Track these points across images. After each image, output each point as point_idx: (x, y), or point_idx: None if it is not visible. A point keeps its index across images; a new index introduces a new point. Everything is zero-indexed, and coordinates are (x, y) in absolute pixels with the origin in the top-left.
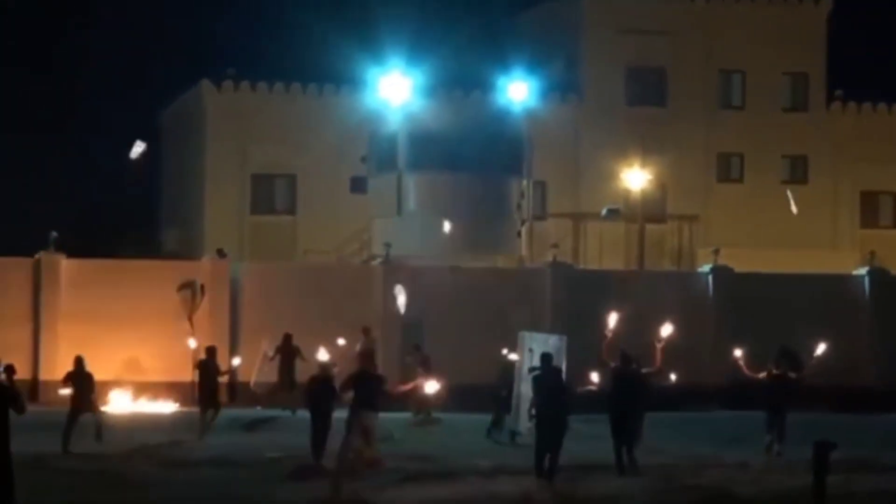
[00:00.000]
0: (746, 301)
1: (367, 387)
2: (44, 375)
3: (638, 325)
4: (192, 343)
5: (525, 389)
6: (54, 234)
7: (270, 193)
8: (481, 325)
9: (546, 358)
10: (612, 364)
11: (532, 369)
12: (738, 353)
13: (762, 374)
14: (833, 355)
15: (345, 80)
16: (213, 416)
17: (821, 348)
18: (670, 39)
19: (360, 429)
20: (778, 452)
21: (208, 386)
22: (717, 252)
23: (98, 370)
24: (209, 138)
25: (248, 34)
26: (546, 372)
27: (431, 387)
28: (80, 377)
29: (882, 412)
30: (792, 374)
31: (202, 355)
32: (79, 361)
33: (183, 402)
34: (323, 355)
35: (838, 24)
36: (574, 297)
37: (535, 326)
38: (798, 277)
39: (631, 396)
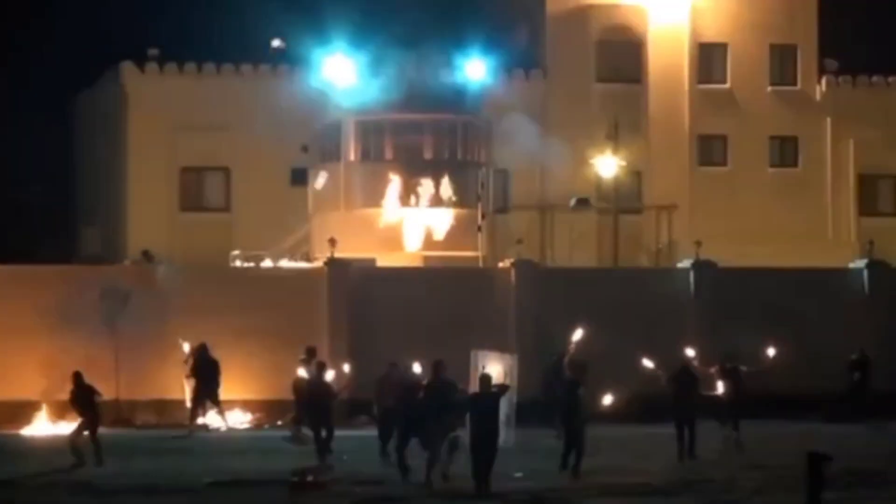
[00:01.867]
0: (732, 299)
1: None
2: None
3: (614, 328)
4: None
5: None
6: None
7: (201, 188)
8: (439, 331)
9: (484, 379)
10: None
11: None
12: (689, 352)
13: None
14: (828, 359)
15: (284, 60)
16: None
17: (770, 351)
18: (643, 11)
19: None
20: (737, 441)
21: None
22: (699, 245)
23: (15, 388)
24: (131, 127)
25: (174, 10)
26: (482, 394)
27: None
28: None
29: (886, 419)
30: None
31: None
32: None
33: (107, 423)
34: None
35: None
36: (541, 298)
37: (499, 331)
38: (789, 273)
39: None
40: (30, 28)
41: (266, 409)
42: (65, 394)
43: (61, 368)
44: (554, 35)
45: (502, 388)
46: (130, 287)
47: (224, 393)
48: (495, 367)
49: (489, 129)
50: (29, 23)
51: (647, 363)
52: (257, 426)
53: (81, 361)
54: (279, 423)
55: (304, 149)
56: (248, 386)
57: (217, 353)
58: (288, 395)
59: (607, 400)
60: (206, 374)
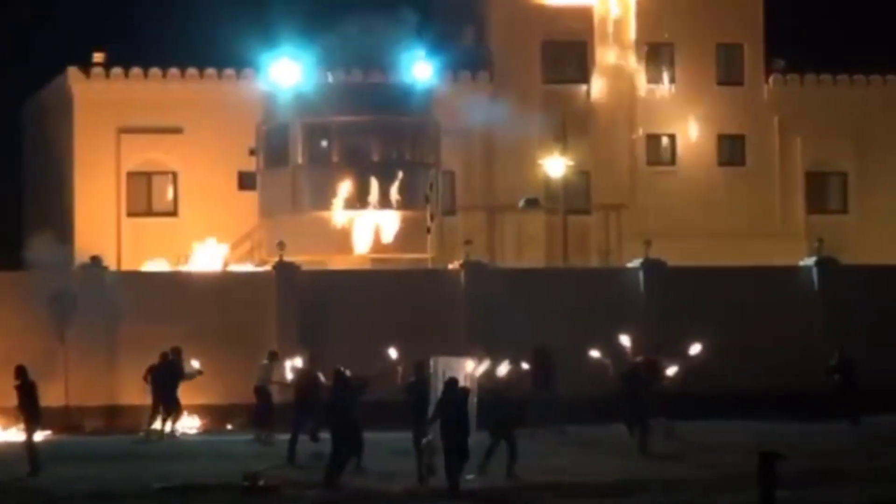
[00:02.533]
0: (682, 298)
1: None
2: None
3: (564, 328)
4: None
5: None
6: None
7: (149, 192)
8: (388, 333)
9: (450, 383)
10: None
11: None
12: (624, 340)
13: (638, 358)
14: (780, 356)
15: (230, 63)
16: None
17: (695, 348)
18: (589, 11)
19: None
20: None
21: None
22: (648, 244)
23: None
24: (78, 131)
25: (120, 15)
26: (450, 398)
27: None
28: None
29: (838, 417)
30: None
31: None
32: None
33: (56, 429)
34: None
35: None
36: (491, 298)
37: (449, 332)
38: (738, 271)
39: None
40: None
41: (216, 414)
42: (13, 399)
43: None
44: (500, 37)
45: (465, 391)
46: (77, 292)
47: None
48: (458, 371)
49: (437, 131)
50: None
51: (595, 354)
52: (207, 430)
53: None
54: (229, 426)
55: (252, 152)
56: (198, 390)
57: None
58: (237, 398)
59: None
60: (164, 379)
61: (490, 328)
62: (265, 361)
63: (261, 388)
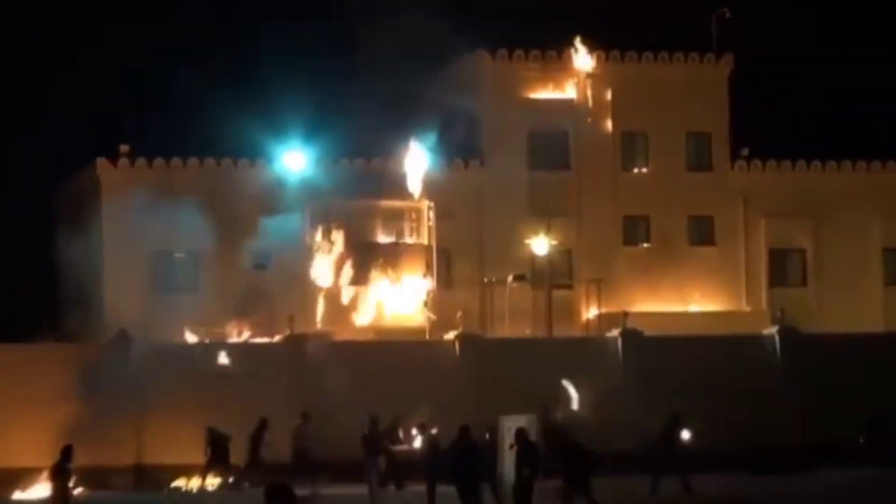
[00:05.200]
0: (657, 365)
1: None
2: None
3: (550, 394)
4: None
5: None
6: None
7: (172, 271)
8: (389, 397)
9: (520, 433)
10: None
11: (511, 446)
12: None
13: None
14: (746, 417)
15: (244, 154)
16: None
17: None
18: (570, 103)
19: None
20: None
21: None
22: (625, 315)
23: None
24: (105, 216)
25: (140, 110)
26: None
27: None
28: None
29: (799, 471)
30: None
31: None
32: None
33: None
34: None
35: (740, 82)
36: (483, 367)
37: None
38: (708, 340)
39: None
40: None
41: (233, 471)
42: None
43: (49, 437)
44: (490, 128)
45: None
46: (107, 362)
47: (196, 457)
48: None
49: (432, 213)
50: (17, 124)
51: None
52: (226, 487)
53: (65, 431)
54: (246, 485)
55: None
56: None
57: (191, 421)
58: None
59: None
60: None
61: (480, 392)
62: (299, 422)
63: (301, 448)
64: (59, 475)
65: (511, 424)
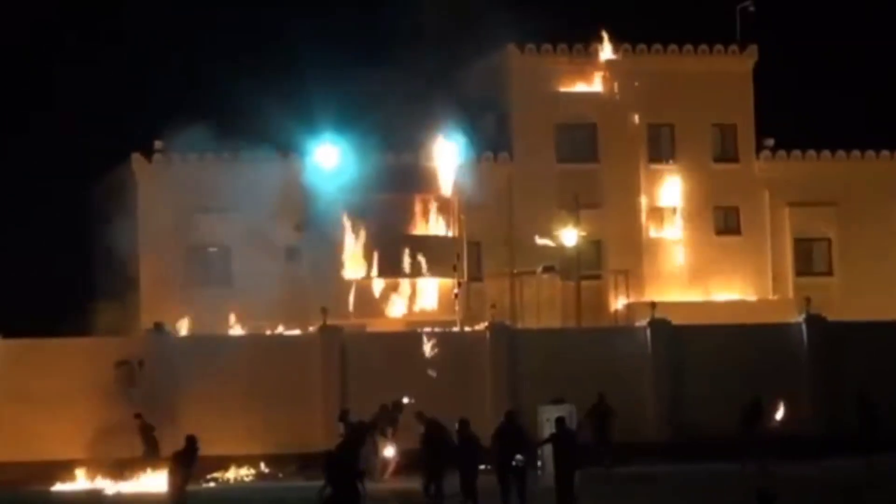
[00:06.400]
0: (685, 354)
1: None
2: None
3: (580, 383)
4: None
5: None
6: None
7: (205, 265)
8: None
9: (560, 421)
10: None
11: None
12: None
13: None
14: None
15: (277, 147)
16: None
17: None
18: (598, 96)
19: None
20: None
21: None
22: (653, 306)
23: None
24: (141, 211)
25: (174, 105)
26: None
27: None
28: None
29: (825, 459)
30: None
31: None
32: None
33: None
34: None
35: (764, 74)
36: (515, 357)
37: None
38: (735, 328)
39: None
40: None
41: (268, 462)
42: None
43: (85, 431)
44: (519, 121)
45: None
46: (143, 356)
47: (231, 448)
48: (557, 414)
49: (463, 206)
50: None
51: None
52: (261, 478)
53: (103, 425)
54: (280, 475)
55: (297, 227)
56: (252, 441)
57: (222, 412)
58: (286, 449)
59: None
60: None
61: (512, 381)
62: (339, 422)
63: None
64: (182, 465)
65: (549, 415)
